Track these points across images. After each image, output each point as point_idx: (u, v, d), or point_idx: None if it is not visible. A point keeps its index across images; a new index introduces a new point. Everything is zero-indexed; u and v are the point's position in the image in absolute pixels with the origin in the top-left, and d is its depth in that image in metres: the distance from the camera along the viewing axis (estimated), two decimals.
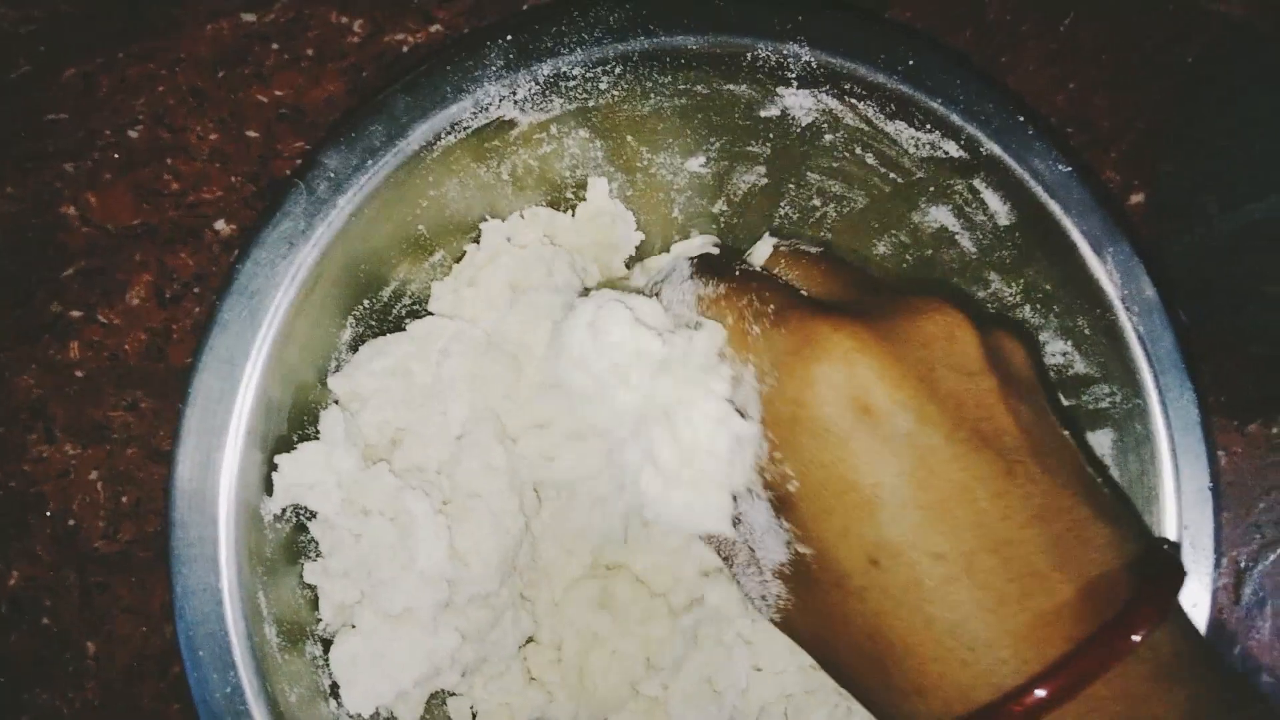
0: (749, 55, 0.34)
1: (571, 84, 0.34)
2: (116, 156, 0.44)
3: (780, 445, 0.26)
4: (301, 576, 0.34)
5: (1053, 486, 0.25)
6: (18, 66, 0.44)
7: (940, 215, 0.37)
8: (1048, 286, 0.36)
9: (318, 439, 0.34)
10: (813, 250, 0.34)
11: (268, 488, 0.32)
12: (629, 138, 0.37)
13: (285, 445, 0.33)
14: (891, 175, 0.37)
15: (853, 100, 0.35)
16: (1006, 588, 0.24)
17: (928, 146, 0.35)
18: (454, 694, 0.36)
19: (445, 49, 0.44)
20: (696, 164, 0.39)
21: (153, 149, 0.44)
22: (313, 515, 0.34)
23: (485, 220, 0.38)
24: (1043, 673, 0.23)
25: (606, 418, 0.30)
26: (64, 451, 0.41)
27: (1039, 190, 0.34)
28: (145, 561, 0.40)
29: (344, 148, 0.32)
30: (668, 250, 0.40)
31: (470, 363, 0.35)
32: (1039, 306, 0.37)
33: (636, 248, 0.40)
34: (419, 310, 0.38)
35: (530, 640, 0.37)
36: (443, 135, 0.33)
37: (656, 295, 0.32)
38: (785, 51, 0.34)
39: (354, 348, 0.35)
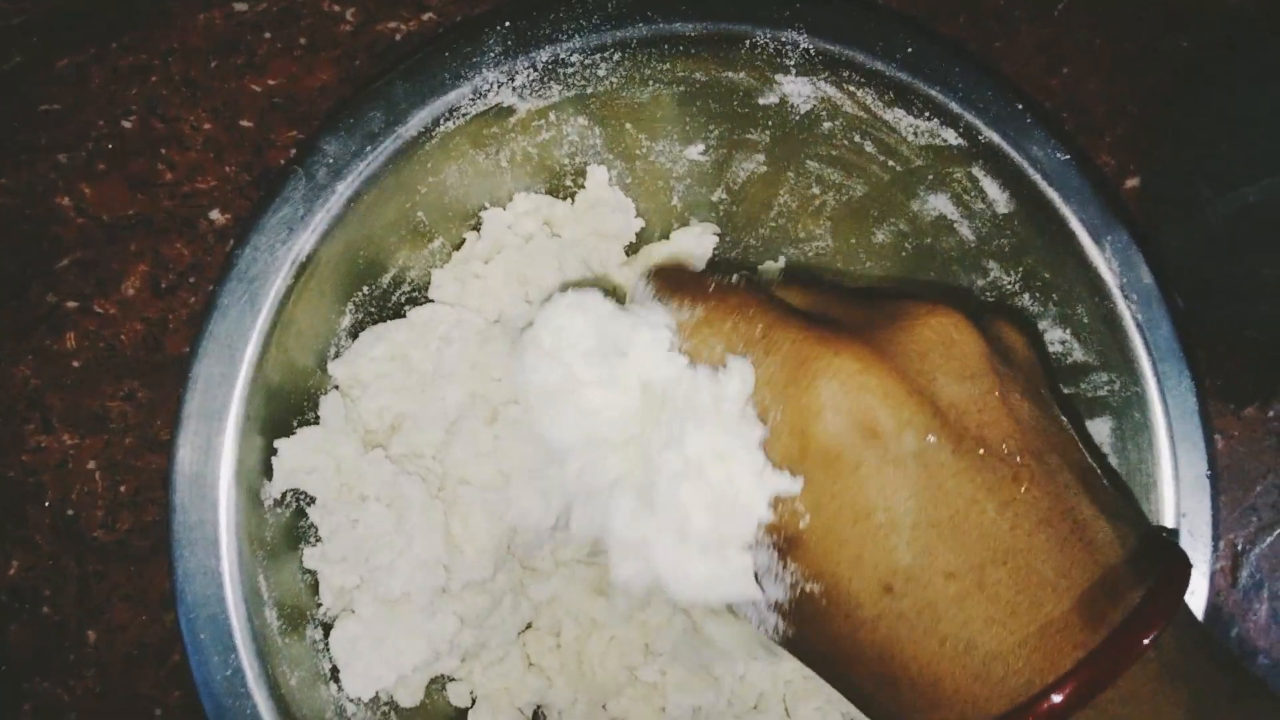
0: (747, 42, 0.34)
1: (570, 70, 0.34)
2: (110, 147, 0.44)
3: (801, 468, 0.25)
4: (301, 561, 0.34)
5: (1056, 488, 0.25)
6: (10, 58, 0.44)
7: (939, 203, 0.37)
8: (1046, 274, 0.36)
9: (317, 424, 0.34)
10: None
11: (267, 472, 0.32)
12: (628, 125, 0.37)
13: (285, 430, 0.33)
14: (890, 163, 0.37)
15: (851, 88, 0.35)
16: (1016, 599, 0.24)
17: (926, 134, 0.35)
18: (453, 679, 0.36)
19: (443, 35, 0.44)
20: (695, 152, 0.39)
21: (146, 139, 0.44)
22: (312, 500, 0.34)
23: (485, 208, 0.38)
24: (1056, 682, 0.23)
25: (576, 431, 0.27)
26: (62, 441, 0.41)
27: (1038, 178, 0.35)
28: (144, 550, 0.40)
29: (343, 134, 0.32)
30: (667, 238, 0.40)
31: (472, 351, 0.35)
32: (1038, 295, 0.37)
33: (637, 235, 0.39)
34: (418, 297, 0.38)
35: (529, 626, 0.37)
36: (441, 122, 0.33)
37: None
38: (783, 39, 0.34)
39: (354, 334, 0.35)
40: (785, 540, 0.25)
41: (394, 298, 0.37)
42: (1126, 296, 0.34)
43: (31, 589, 0.40)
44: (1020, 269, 0.37)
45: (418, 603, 0.32)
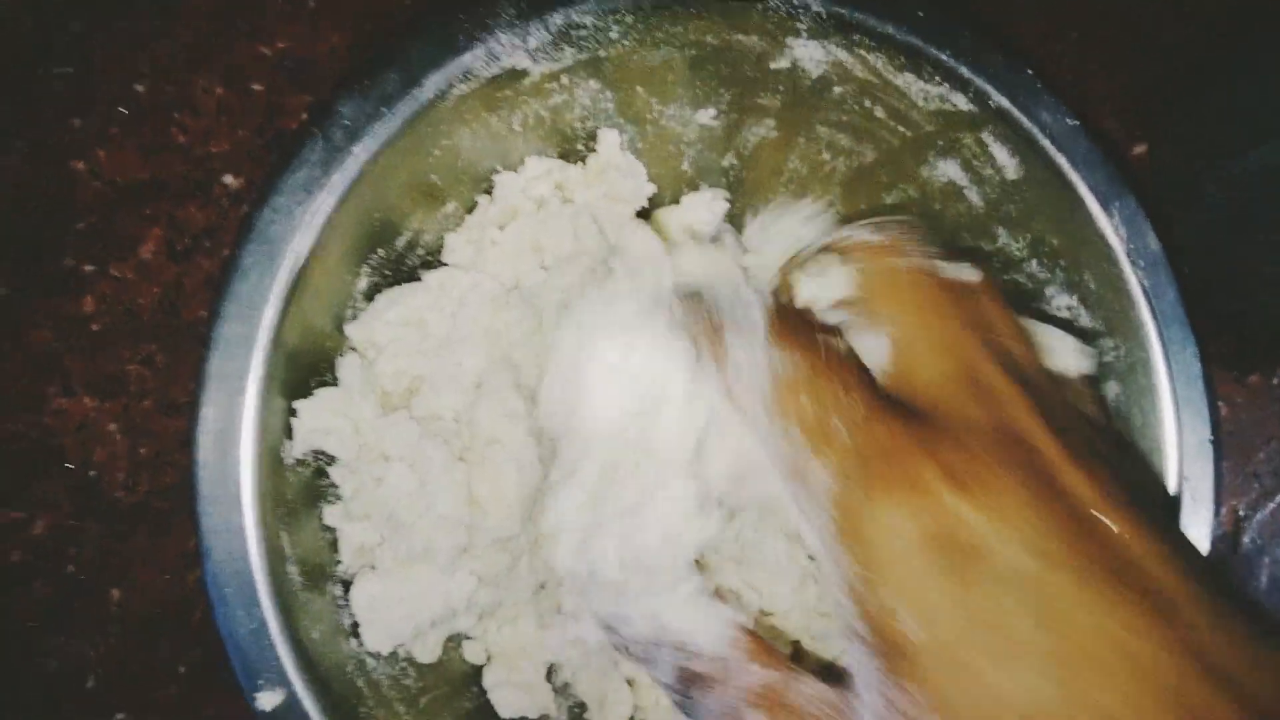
0: (759, 5, 0.34)
1: (583, 33, 0.34)
2: (124, 111, 0.44)
3: (879, 578, 0.23)
4: (321, 519, 0.34)
5: (1200, 613, 0.22)
6: (22, 23, 0.44)
7: (949, 169, 0.38)
8: (1054, 240, 0.36)
9: (335, 385, 0.34)
10: (910, 266, 0.28)
11: (288, 432, 0.33)
12: (639, 89, 0.37)
13: (304, 391, 0.33)
14: (900, 129, 0.37)
15: (862, 52, 0.35)
16: None
17: (936, 99, 0.36)
18: (469, 637, 0.37)
19: None
20: (707, 116, 0.39)
21: (158, 104, 0.44)
22: (332, 460, 0.35)
23: (497, 171, 0.38)
24: None
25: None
26: (82, 404, 0.41)
27: (1047, 144, 0.35)
28: (164, 512, 0.41)
29: (359, 96, 0.32)
30: (677, 202, 0.41)
31: (487, 315, 0.35)
32: (1045, 260, 0.37)
33: (648, 200, 0.40)
34: (431, 261, 0.38)
35: (543, 586, 0.38)
36: (456, 84, 0.33)
37: (716, 336, 0.28)
38: (795, 1, 0.34)
39: (369, 296, 0.36)
40: (890, 647, 0.22)
41: (408, 261, 0.38)
42: (1133, 263, 0.35)
43: (55, 548, 0.40)
44: (1028, 235, 0.37)
45: (438, 561, 0.33)
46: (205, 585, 0.30)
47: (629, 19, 0.34)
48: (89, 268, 0.42)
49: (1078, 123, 0.35)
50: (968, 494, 0.23)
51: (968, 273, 0.29)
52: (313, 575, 0.32)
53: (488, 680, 0.36)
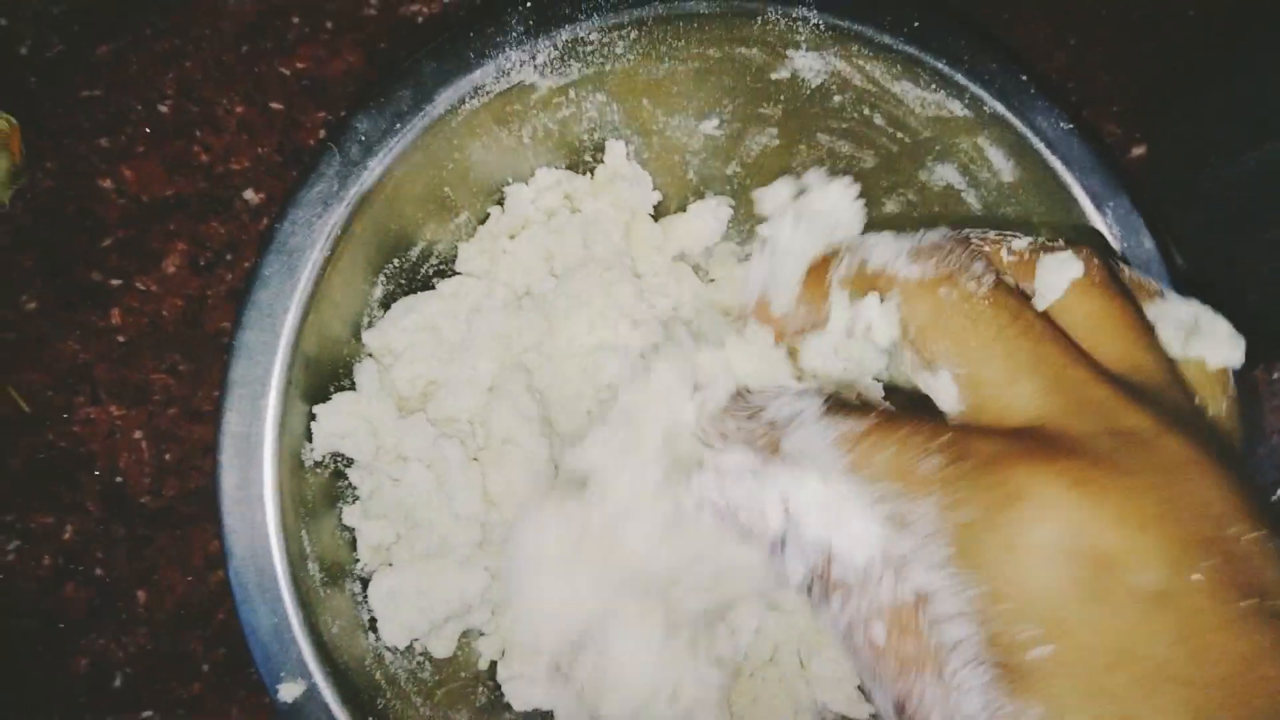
0: (759, 19, 0.35)
1: (589, 49, 0.36)
2: (148, 130, 0.46)
3: (1006, 597, 0.21)
4: (340, 519, 0.35)
5: None
6: (52, 46, 0.46)
7: (946, 173, 0.39)
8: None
9: (353, 390, 0.36)
10: (972, 292, 0.25)
11: (308, 435, 0.34)
12: (645, 101, 0.38)
13: (323, 396, 0.35)
14: (899, 135, 0.38)
15: (860, 62, 0.36)
16: None
17: (933, 106, 0.37)
18: (484, 633, 0.38)
19: (467, 17, 0.46)
20: (710, 126, 0.40)
21: (182, 122, 0.46)
22: (350, 462, 0.36)
23: (508, 183, 0.39)
24: None
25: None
26: (109, 412, 0.43)
27: (1041, 147, 0.36)
28: (188, 516, 0.42)
29: (374, 112, 0.34)
30: (684, 210, 0.42)
31: (499, 321, 0.36)
32: None
33: (654, 208, 0.41)
34: (445, 270, 0.39)
35: None
36: (466, 100, 0.35)
37: (773, 439, 0.27)
38: (794, 15, 0.35)
39: (385, 305, 0.37)
40: (1013, 670, 0.21)
41: (422, 270, 0.39)
42: (1127, 261, 0.35)
43: (85, 551, 0.42)
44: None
45: (454, 557, 0.34)
46: (229, 582, 0.31)
47: (633, 34, 0.36)
48: (115, 281, 0.44)
49: (1071, 126, 0.36)
50: (1097, 502, 0.21)
51: (1065, 267, 0.26)
52: (332, 572, 0.34)
53: (501, 674, 0.37)
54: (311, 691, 0.31)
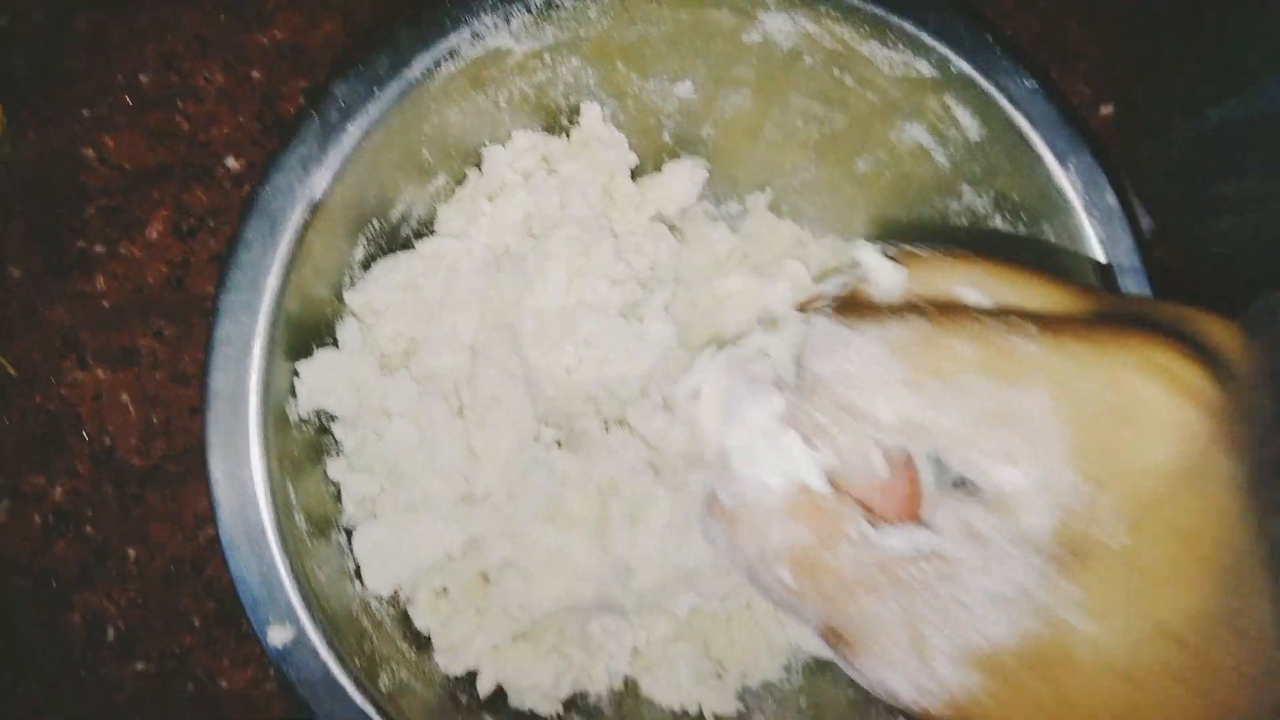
0: None
1: (562, 14, 0.36)
2: (130, 100, 0.46)
3: (1109, 487, 0.21)
4: (325, 473, 0.36)
5: None
6: (32, 18, 0.46)
7: (916, 133, 0.39)
8: (1015, 197, 0.38)
9: (336, 348, 0.36)
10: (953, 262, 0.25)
11: (293, 392, 0.35)
12: (619, 64, 0.39)
13: (306, 354, 0.36)
14: (869, 95, 0.39)
15: (829, 23, 0.37)
16: None
17: (901, 66, 0.37)
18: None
19: None
20: (684, 89, 0.41)
21: (163, 92, 0.46)
22: (333, 419, 0.37)
23: (485, 146, 0.40)
24: None
25: None
26: (96, 376, 0.44)
27: (1006, 105, 0.37)
28: (176, 475, 0.43)
29: (352, 78, 0.34)
30: (659, 171, 0.42)
31: (478, 280, 0.37)
32: (1008, 216, 0.39)
33: (630, 170, 0.42)
34: (424, 232, 0.40)
35: None
36: (443, 64, 0.35)
37: (811, 385, 0.24)
38: None
39: (366, 265, 0.38)
40: (1074, 555, 0.21)
41: (402, 232, 0.40)
42: (1090, 215, 0.36)
43: (75, 511, 0.43)
44: (992, 192, 0.39)
45: (437, 509, 0.35)
46: (217, 534, 0.32)
47: None
48: (100, 248, 0.45)
49: (1035, 84, 0.37)
50: (1227, 401, 0.20)
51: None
52: (318, 524, 0.35)
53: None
54: (300, 636, 0.32)
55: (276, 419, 0.34)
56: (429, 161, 0.39)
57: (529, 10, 0.36)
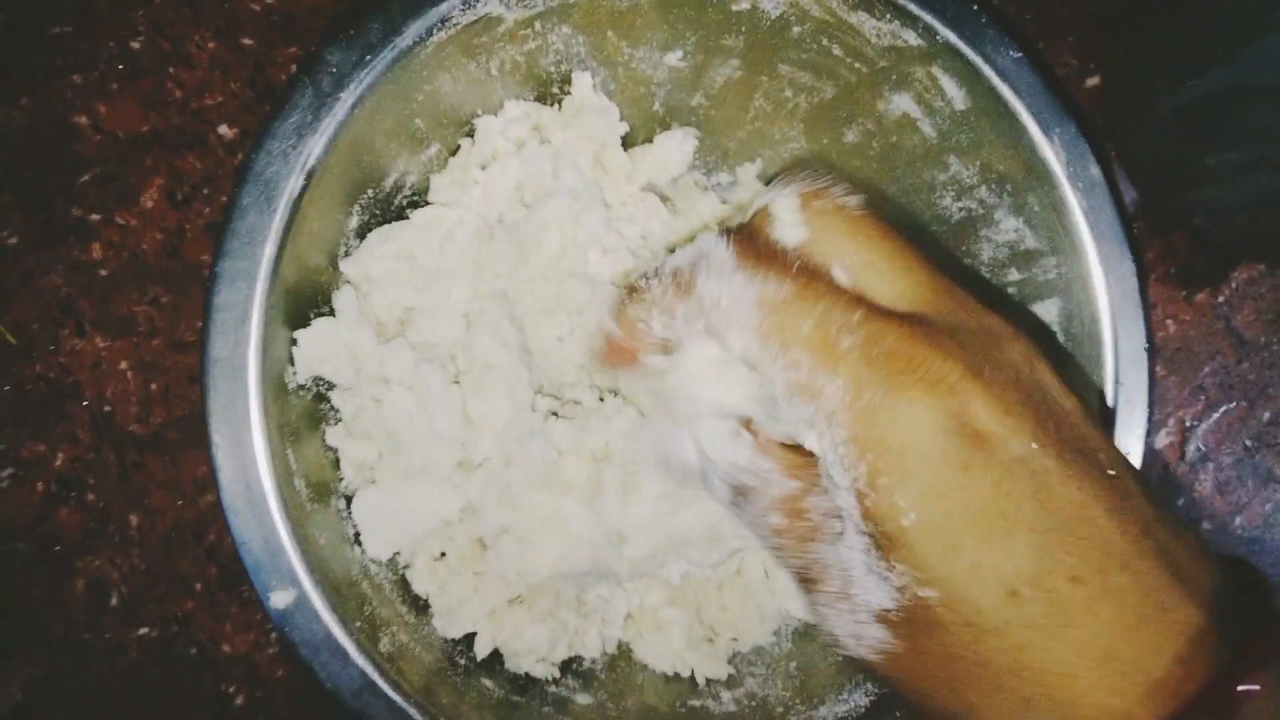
0: None
1: None
2: (121, 67, 0.46)
3: (885, 472, 0.25)
4: (324, 440, 0.37)
5: (1145, 500, 0.25)
6: None
7: (903, 103, 0.40)
8: (1001, 167, 0.39)
9: (333, 316, 0.37)
10: (853, 206, 0.29)
11: (290, 360, 0.36)
12: (610, 33, 0.39)
13: (303, 323, 0.36)
14: (857, 65, 0.40)
15: None
16: (1143, 605, 0.23)
17: (888, 36, 0.38)
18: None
19: None
20: (674, 58, 0.41)
21: (155, 59, 0.46)
22: (331, 386, 0.37)
23: (478, 115, 0.40)
24: (1204, 689, 0.22)
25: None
26: (95, 344, 0.44)
27: (991, 75, 0.37)
28: (176, 442, 0.44)
29: (345, 45, 0.35)
30: (650, 141, 0.43)
31: (473, 249, 0.38)
32: (994, 186, 0.39)
33: (621, 139, 0.42)
34: (418, 201, 0.41)
35: None
36: (434, 31, 0.35)
37: (687, 286, 0.28)
38: None
39: (361, 234, 0.38)
40: (884, 536, 0.25)
41: (396, 201, 0.40)
42: (1073, 185, 0.37)
43: (77, 478, 0.43)
44: (978, 162, 0.39)
45: (435, 475, 0.36)
46: (219, 498, 0.33)
47: None
48: (95, 216, 0.45)
49: (1021, 55, 0.37)
50: (983, 387, 0.25)
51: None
52: (318, 490, 0.35)
53: None
54: (302, 599, 0.33)
55: (274, 386, 0.34)
56: (422, 130, 0.39)
57: None
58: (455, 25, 0.36)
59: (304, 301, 0.36)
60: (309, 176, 0.34)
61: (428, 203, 0.40)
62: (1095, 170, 0.37)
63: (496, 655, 0.39)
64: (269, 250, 0.33)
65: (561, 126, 0.41)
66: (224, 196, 0.45)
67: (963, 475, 0.24)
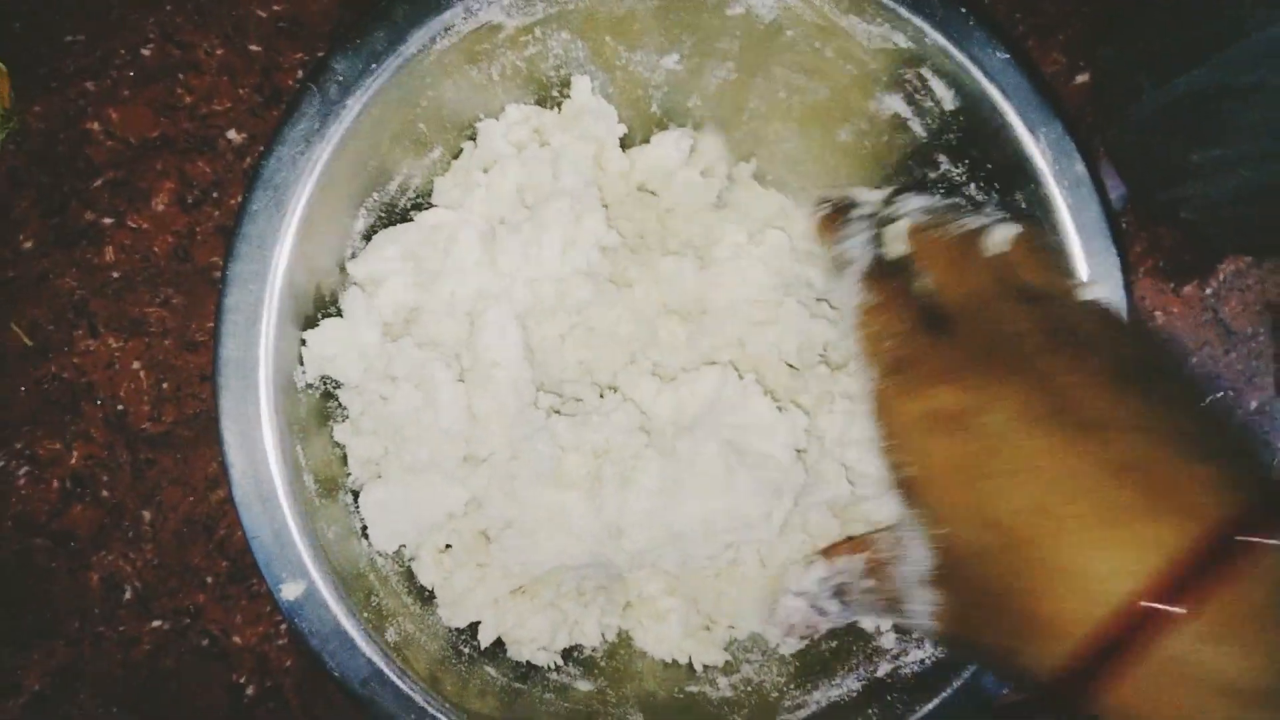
0: None
1: None
2: (132, 74, 0.47)
3: (894, 435, 0.33)
4: (332, 436, 0.38)
5: (1147, 443, 0.28)
6: None
7: (894, 103, 0.41)
8: (989, 165, 0.40)
9: (340, 317, 0.38)
10: (952, 232, 0.37)
11: (299, 359, 0.37)
12: (608, 38, 0.40)
13: (312, 324, 0.37)
14: (848, 67, 0.41)
15: None
16: (1111, 532, 0.27)
17: (879, 38, 0.39)
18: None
19: None
20: (671, 61, 0.42)
21: (165, 65, 0.47)
22: (338, 385, 0.39)
23: (480, 119, 0.41)
24: (1149, 588, 0.26)
25: None
26: (108, 345, 0.45)
27: (979, 76, 0.38)
28: (187, 439, 0.45)
29: (351, 53, 0.36)
30: (648, 142, 0.44)
31: (476, 250, 0.39)
32: (982, 184, 0.40)
33: (620, 141, 0.43)
34: (422, 203, 0.42)
35: None
36: (438, 39, 0.36)
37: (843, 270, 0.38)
38: None
39: (366, 236, 0.40)
40: (903, 487, 0.32)
41: (400, 204, 0.41)
42: (1059, 183, 0.38)
43: (91, 475, 0.45)
44: (967, 161, 0.40)
45: (440, 470, 0.37)
46: (231, 493, 0.34)
47: None
48: (108, 220, 0.46)
49: (1008, 56, 0.38)
50: (956, 385, 0.31)
51: (1004, 231, 0.36)
52: (326, 484, 0.37)
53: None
54: (311, 591, 0.34)
55: (284, 385, 0.35)
56: (425, 134, 0.40)
57: None
58: (458, 33, 0.37)
59: (313, 303, 0.38)
60: (317, 181, 0.35)
61: (432, 205, 0.41)
62: (1080, 168, 0.38)
63: (499, 644, 0.40)
64: (279, 253, 0.35)
65: (561, 129, 0.42)
66: (233, 200, 0.46)
67: (944, 442, 0.31)
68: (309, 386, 0.38)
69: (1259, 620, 0.25)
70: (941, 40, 0.38)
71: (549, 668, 0.41)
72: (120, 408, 0.45)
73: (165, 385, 0.45)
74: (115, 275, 0.46)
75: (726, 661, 0.42)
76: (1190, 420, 0.30)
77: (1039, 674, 0.28)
